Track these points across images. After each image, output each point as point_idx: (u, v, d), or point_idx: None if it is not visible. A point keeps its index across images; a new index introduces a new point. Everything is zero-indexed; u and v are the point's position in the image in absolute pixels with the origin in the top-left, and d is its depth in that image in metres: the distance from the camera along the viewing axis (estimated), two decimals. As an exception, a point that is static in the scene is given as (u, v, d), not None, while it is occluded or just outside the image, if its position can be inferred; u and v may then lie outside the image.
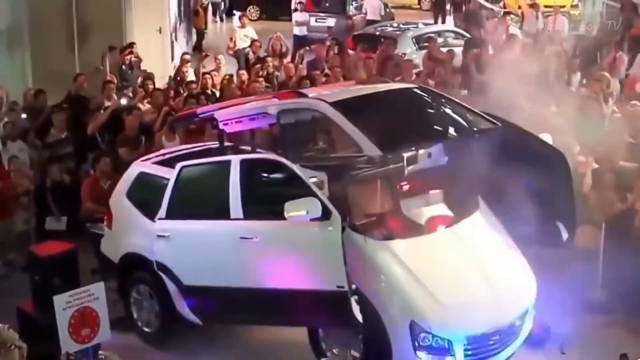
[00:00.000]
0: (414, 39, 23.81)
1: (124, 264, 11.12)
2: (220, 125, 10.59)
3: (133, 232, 11.01)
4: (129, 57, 18.49)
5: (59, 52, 19.38)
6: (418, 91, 10.82)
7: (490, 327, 9.08)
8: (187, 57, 19.52)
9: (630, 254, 11.21)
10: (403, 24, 26.81)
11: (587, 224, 11.97)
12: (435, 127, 10.16)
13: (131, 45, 19.20)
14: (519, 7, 30.88)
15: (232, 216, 9.59)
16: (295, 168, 8.97)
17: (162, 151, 12.29)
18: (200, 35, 29.72)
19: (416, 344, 8.73)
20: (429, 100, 10.51)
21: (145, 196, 10.87)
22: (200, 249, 9.96)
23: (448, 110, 10.26)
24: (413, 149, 9.52)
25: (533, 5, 28.16)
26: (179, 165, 10.50)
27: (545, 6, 29.19)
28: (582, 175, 12.25)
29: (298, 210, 8.58)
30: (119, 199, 11.38)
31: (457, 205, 10.03)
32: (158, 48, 21.54)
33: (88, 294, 8.66)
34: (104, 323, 8.70)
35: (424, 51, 21.57)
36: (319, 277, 8.73)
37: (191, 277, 10.10)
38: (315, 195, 8.62)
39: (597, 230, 11.81)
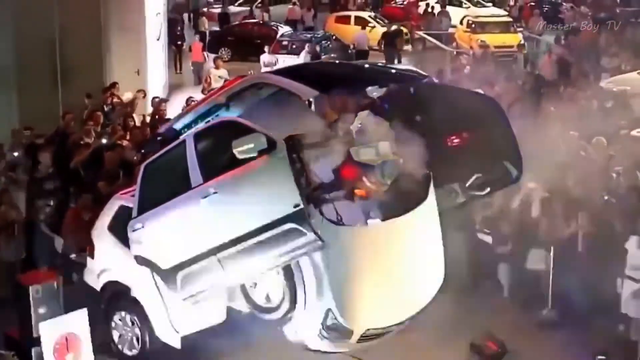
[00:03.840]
0: (381, 91, 23.76)
1: (105, 292, 11.00)
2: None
3: (114, 261, 10.92)
4: (110, 97, 18.45)
5: (44, 92, 19.31)
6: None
7: (391, 323, 9.18)
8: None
9: (577, 275, 11.29)
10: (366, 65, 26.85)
11: (537, 248, 12.04)
12: (370, 78, 10.02)
13: (113, 85, 19.18)
14: (471, 47, 31.08)
15: (192, 185, 9.38)
16: (242, 120, 8.97)
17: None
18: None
19: (324, 325, 8.77)
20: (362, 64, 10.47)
21: (125, 227, 10.78)
22: (170, 227, 9.69)
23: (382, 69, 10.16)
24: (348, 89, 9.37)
25: (484, 46, 28.38)
26: (142, 165, 10.39)
27: (495, 46, 29.49)
28: (532, 202, 12.31)
29: (245, 145, 8.55)
30: (101, 230, 11.32)
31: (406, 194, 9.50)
32: (136, 89, 21.44)
33: (72, 321, 8.59)
34: (87, 348, 8.64)
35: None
36: (277, 204, 8.54)
37: (167, 258, 9.73)
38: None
39: (546, 253, 11.86)
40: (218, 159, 9.35)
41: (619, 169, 13.41)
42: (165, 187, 9.89)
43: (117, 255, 10.89)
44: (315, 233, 8.38)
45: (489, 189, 10.10)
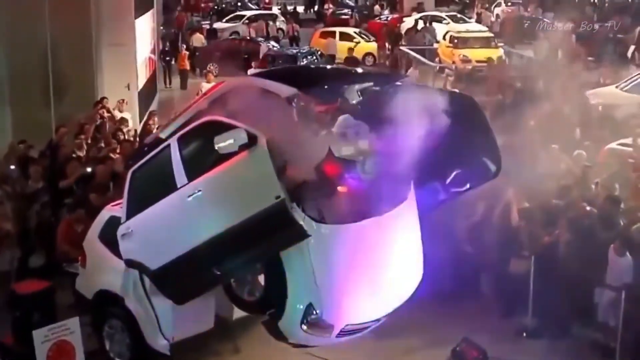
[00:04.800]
0: (358, 92, 23.90)
1: (97, 300, 11.02)
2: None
3: (105, 270, 10.95)
4: (101, 111, 18.52)
5: (37, 106, 19.35)
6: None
7: (370, 319, 9.28)
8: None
9: (557, 284, 11.36)
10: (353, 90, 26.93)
11: (518, 257, 12.12)
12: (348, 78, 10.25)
13: (102, 100, 19.26)
14: (453, 62, 31.28)
15: (178, 186, 9.41)
16: (223, 119, 9.02)
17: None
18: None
19: (305, 320, 8.80)
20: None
21: (115, 237, 10.83)
22: (157, 228, 9.72)
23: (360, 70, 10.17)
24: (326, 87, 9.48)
25: (466, 60, 28.54)
26: (130, 172, 10.42)
27: (477, 61, 29.68)
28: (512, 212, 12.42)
29: (226, 141, 8.60)
30: (92, 241, 11.36)
31: (388, 192, 9.41)
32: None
33: (64, 328, 8.67)
34: (80, 355, 8.67)
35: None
36: (259, 197, 8.56)
37: (155, 259, 9.72)
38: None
39: (527, 261, 11.94)
40: (202, 159, 9.41)
41: (597, 180, 13.57)
42: (153, 191, 9.91)
43: (107, 264, 10.92)
44: (298, 223, 8.42)
45: (468, 185, 10.17)
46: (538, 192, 12.77)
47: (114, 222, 10.91)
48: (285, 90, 8.89)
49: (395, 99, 9.28)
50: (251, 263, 9.18)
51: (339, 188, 8.88)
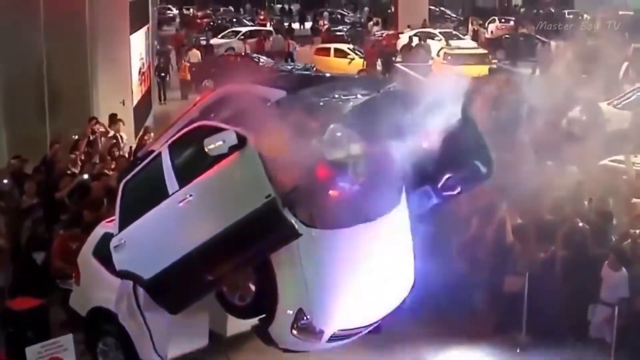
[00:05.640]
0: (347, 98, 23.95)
1: (91, 317, 10.96)
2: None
3: (99, 287, 10.91)
4: (96, 127, 18.49)
5: (31, 122, 19.34)
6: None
7: (361, 325, 9.25)
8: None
9: (551, 299, 11.36)
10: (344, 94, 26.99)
11: (512, 273, 12.11)
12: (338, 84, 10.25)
13: (93, 118, 19.28)
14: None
15: (170, 193, 9.35)
16: (212, 123, 9.02)
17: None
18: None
19: (295, 325, 8.76)
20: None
21: (110, 254, 10.78)
22: (150, 236, 9.63)
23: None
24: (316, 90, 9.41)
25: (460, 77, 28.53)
26: (122, 183, 10.37)
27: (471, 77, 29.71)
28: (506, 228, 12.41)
29: (215, 143, 8.56)
30: (86, 258, 11.30)
31: (380, 197, 9.40)
32: (122, 119, 21.47)
33: (58, 345, 8.63)
34: (73, 372, 8.63)
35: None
36: (250, 197, 8.49)
37: (149, 268, 9.56)
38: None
39: (521, 277, 11.92)
40: (193, 164, 9.36)
41: (591, 197, 13.58)
42: (145, 200, 9.84)
43: (101, 281, 10.87)
44: (288, 221, 8.35)
45: (460, 189, 10.16)
46: (532, 208, 12.78)
47: (108, 239, 10.82)
48: (273, 93, 8.90)
49: (385, 104, 9.31)
50: (243, 266, 9.09)
51: (331, 192, 8.85)
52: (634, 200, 13.36)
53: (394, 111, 9.11)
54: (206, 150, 8.64)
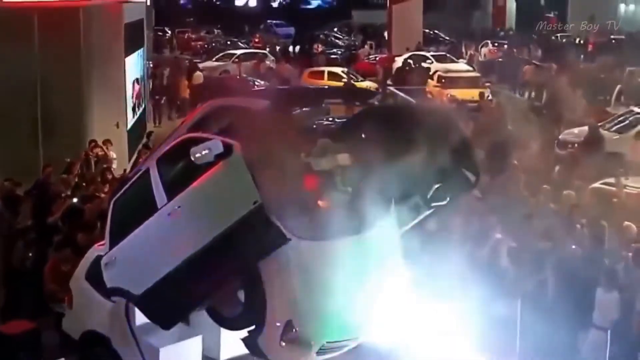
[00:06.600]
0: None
1: (84, 341, 10.90)
2: None
3: (91, 311, 10.84)
4: (95, 150, 18.55)
5: (25, 145, 19.35)
6: None
7: (349, 337, 9.31)
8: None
9: (544, 325, 11.34)
10: (338, 118, 27.08)
11: (505, 297, 12.09)
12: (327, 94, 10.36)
13: (93, 140, 19.31)
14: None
15: (159, 206, 9.34)
16: (197, 134, 9.06)
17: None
18: None
19: (283, 337, 8.77)
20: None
21: (102, 278, 10.76)
22: (140, 251, 9.58)
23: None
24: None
25: (453, 100, 28.69)
26: (112, 201, 10.37)
27: (464, 100, 29.85)
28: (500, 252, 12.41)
29: (202, 150, 8.60)
30: (79, 281, 11.22)
31: (369, 210, 9.37)
32: (116, 141, 21.51)
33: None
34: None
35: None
36: (237, 205, 8.52)
37: (140, 283, 9.51)
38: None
39: (515, 303, 11.92)
40: (181, 177, 9.37)
41: (583, 221, 13.61)
42: (134, 216, 9.80)
43: (94, 304, 10.81)
44: (276, 226, 8.40)
45: (449, 198, 10.21)
46: (525, 232, 12.80)
47: (100, 262, 10.87)
48: (255, 102, 9.00)
49: (373, 116, 9.36)
50: (233, 276, 9.11)
51: (320, 203, 8.96)
52: (626, 223, 13.39)
53: (380, 122, 9.21)
54: (192, 159, 8.69)
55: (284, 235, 8.47)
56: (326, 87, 12.65)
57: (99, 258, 10.89)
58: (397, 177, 9.17)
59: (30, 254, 13.85)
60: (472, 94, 31.41)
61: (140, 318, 10.05)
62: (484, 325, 12.35)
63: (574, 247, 12.35)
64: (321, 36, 60.84)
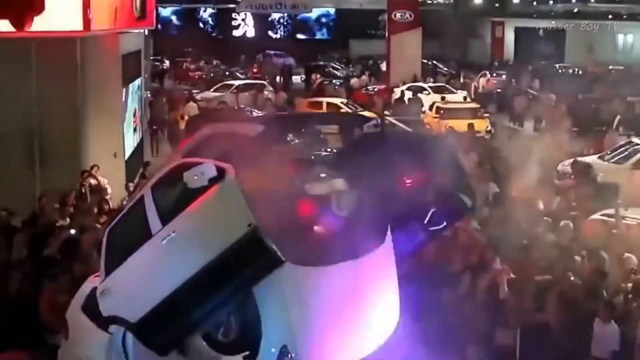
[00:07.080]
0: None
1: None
2: None
3: (88, 343, 10.77)
4: (88, 180, 18.54)
5: (21, 174, 19.33)
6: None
7: None
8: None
9: (544, 356, 11.31)
10: (335, 149, 27.09)
11: (504, 327, 12.06)
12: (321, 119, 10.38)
13: (92, 168, 19.31)
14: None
15: (153, 232, 9.24)
16: (191, 159, 9.04)
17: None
18: None
19: None
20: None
21: (99, 309, 10.70)
22: (135, 278, 9.44)
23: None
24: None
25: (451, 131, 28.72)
26: (106, 230, 10.31)
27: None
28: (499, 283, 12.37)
29: (195, 174, 8.61)
30: (75, 313, 11.19)
31: (365, 235, 9.31)
32: (114, 171, 21.50)
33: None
34: None
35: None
36: (232, 228, 8.46)
37: (136, 310, 9.35)
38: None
39: (513, 332, 11.87)
40: (175, 202, 9.30)
41: (583, 253, 13.59)
42: (130, 244, 9.69)
43: (90, 337, 10.76)
44: (271, 248, 8.33)
45: (445, 223, 10.21)
46: (526, 263, 12.78)
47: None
48: (250, 127, 9.04)
49: (368, 142, 9.37)
50: (228, 300, 8.98)
51: (315, 228, 8.91)
52: (626, 254, 13.37)
53: (376, 148, 9.22)
54: (185, 182, 8.70)
55: (279, 258, 8.39)
56: (322, 112, 12.74)
57: (95, 290, 10.87)
58: (392, 202, 9.15)
59: (26, 285, 13.80)
60: (481, 125, 31.44)
61: (137, 350, 9.99)
62: (483, 355, 12.36)
63: (572, 277, 12.31)
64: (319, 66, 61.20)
